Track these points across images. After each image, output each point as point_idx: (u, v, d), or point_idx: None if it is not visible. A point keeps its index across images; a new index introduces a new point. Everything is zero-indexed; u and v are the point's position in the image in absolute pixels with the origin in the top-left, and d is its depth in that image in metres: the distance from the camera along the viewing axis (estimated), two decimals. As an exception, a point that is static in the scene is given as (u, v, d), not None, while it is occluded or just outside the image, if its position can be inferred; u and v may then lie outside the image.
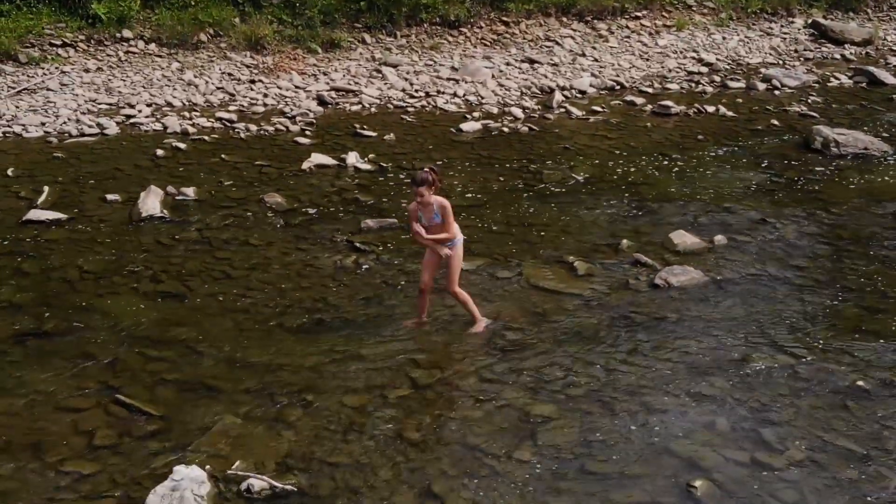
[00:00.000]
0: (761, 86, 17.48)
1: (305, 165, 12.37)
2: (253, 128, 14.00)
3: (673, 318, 8.48)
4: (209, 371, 7.46)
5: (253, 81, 16.01)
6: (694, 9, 21.65)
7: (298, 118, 14.51)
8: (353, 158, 12.65)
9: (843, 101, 16.79)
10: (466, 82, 16.64)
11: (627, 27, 20.45)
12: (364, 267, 9.47)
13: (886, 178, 12.65)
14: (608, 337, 8.14)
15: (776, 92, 17.26)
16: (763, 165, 13.06)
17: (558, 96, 16.09)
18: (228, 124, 14.15)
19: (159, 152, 12.72)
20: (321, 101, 15.43)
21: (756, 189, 12.05)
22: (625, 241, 10.12)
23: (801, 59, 19.93)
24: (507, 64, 17.90)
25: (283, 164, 12.50)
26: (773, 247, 10.20)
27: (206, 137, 13.55)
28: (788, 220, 10.94)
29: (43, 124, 13.59)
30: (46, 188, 11.17)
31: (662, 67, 18.59)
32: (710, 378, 7.45)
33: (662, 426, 6.80)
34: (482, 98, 15.98)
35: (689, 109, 15.76)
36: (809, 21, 21.98)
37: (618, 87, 17.21)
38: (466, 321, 8.27)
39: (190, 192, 11.25)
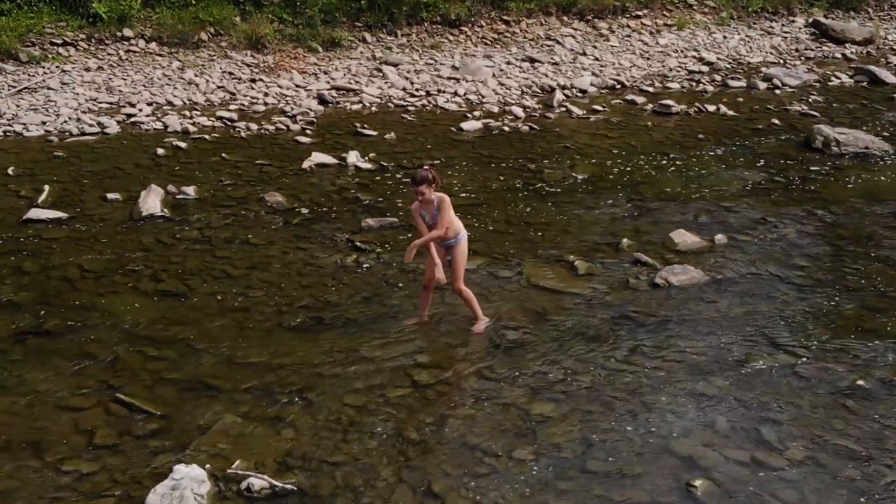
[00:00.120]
0: (762, 85, 17.48)
1: (306, 164, 12.38)
2: (253, 127, 14.00)
3: (673, 318, 8.48)
4: (209, 370, 7.46)
5: (253, 80, 16.02)
6: (695, 8, 21.64)
7: (299, 117, 14.52)
8: (353, 157, 12.65)
9: (843, 100, 16.79)
10: (467, 81, 16.65)
11: (628, 26, 20.45)
12: (364, 266, 9.47)
13: (887, 177, 12.65)
14: (608, 336, 8.14)
15: (777, 91, 17.26)
16: (763, 165, 13.06)
17: (559, 95, 16.09)
18: (229, 123, 14.15)
19: (160, 151, 12.72)
20: (322, 100, 15.44)
21: (756, 188, 12.05)
22: (625, 240, 10.12)
23: (802, 58, 19.93)
24: (508, 63, 17.90)
25: (284, 164, 12.50)
26: (773, 246, 10.20)
27: (206, 136, 13.55)
28: (789, 219, 10.93)
29: (43, 123, 13.60)
30: (47, 187, 11.17)
31: (663, 66, 18.59)
32: (711, 377, 7.46)
33: (662, 425, 6.80)
34: (483, 97, 15.98)
35: (690, 108, 15.76)
36: (810, 20, 21.98)
37: (618, 86, 17.21)
38: (467, 320, 8.27)
39: (190, 191, 11.25)
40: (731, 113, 15.68)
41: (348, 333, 8.09)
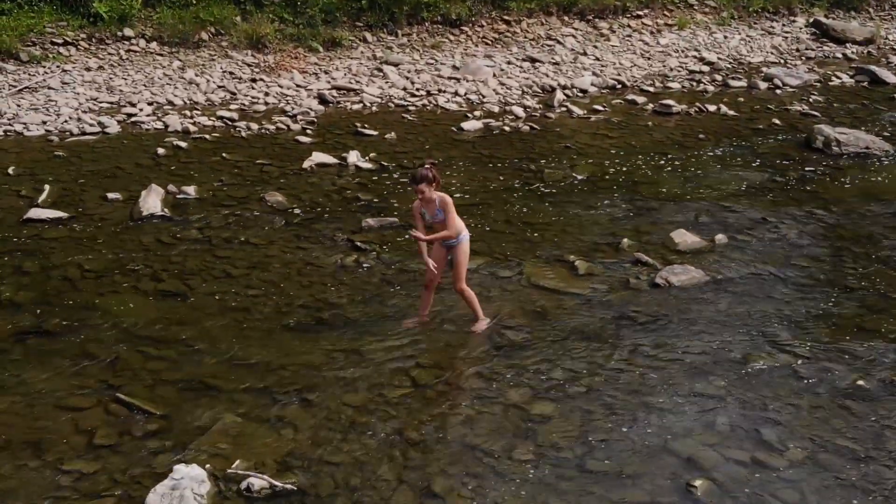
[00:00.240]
0: (763, 85, 17.48)
1: (306, 164, 12.38)
2: (254, 126, 14.00)
3: (673, 318, 8.48)
4: (209, 370, 7.46)
5: (254, 80, 16.02)
6: (695, 7, 21.64)
7: (299, 117, 14.52)
8: (354, 157, 12.65)
9: (844, 100, 16.79)
10: (467, 81, 16.65)
11: (629, 26, 20.45)
12: (365, 266, 9.47)
13: (887, 177, 12.64)
14: (609, 336, 8.13)
15: (777, 91, 17.27)
16: (764, 165, 13.05)
17: (559, 95, 16.10)
18: (229, 123, 14.15)
19: (160, 151, 12.72)
20: (322, 99, 15.44)
21: (757, 188, 12.04)
22: (625, 240, 10.12)
23: (803, 58, 19.93)
24: (509, 63, 17.91)
25: (284, 163, 12.50)
26: (773, 246, 10.19)
27: (207, 136, 13.55)
28: (789, 219, 10.93)
29: (44, 123, 13.61)
30: (47, 187, 11.17)
31: (664, 66, 18.59)
32: (711, 377, 7.45)
33: (662, 425, 6.79)
34: (483, 97, 15.98)
35: (691, 108, 15.76)
36: (811, 20, 21.99)
37: (619, 86, 17.21)
38: (468, 320, 8.27)
39: (191, 190, 11.25)
40: (731, 113, 15.68)
41: (348, 333, 8.09)
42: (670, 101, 15.83)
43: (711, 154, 13.49)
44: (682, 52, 19.59)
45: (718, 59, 19.23)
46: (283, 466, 6.24)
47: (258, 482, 5.97)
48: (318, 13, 17.77)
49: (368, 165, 12.51)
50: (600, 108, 15.69)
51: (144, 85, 15.42)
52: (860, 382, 7.40)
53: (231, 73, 16.26)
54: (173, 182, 11.43)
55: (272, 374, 7.41)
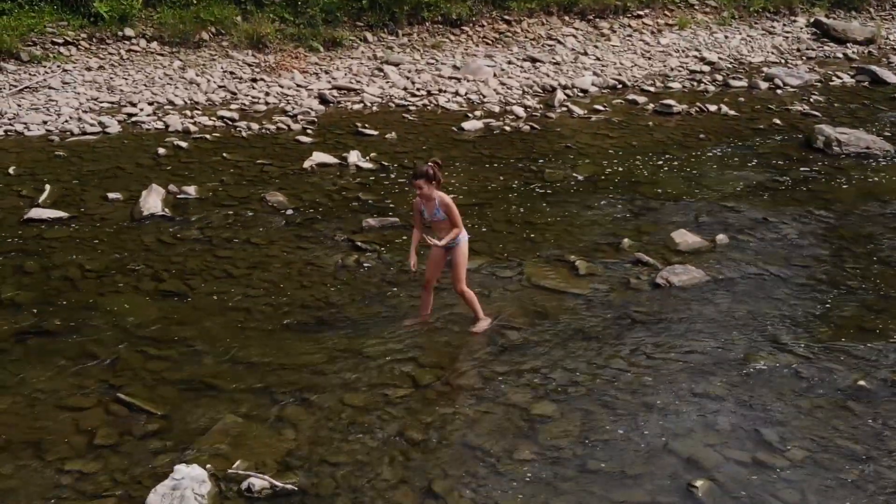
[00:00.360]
0: (763, 85, 17.48)
1: (307, 164, 12.37)
2: (254, 126, 14.00)
3: (674, 318, 8.48)
4: (210, 370, 7.45)
5: (255, 80, 16.02)
6: (696, 7, 21.65)
7: (300, 117, 14.52)
8: (354, 157, 12.65)
9: (845, 100, 16.79)
10: (468, 81, 16.65)
11: (629, 26, 20.45)
12: (365, 266, 9.47)
13: (888, 177, 12.64)
14: (609, 336, 8.13)
15: (778, 91, 17.27)
16: (765, 164, 13.05)
17: (560, 95, 16.10)
18: (230, 123, 14.15)
19: (161, 151, 12.72)
20: (323, 99, 15.44)
21: (758, 188, 12.04)
22: (626, 240, 10.12)
23: (804, 57, 19.93)
24: (509, 62, 17.91)
25: (285, 163, 12.50)
26: (774, 246, 10.19)
27: (207, 136, 13.55)
28: (790, 219, 10.93)
29: (45, 123, 13.61)
30: (48, 187, 11.17)
31: (664, 66, 18.59)
32: (712, 377, 7.45)
33: (663, 426, 6.79)
34: (484, 97, 15.98)
35: (691, 108, 15.76)
36: (812, 20, 21.99)
37: (620, 86, 17.21)
38: (468, 320, 8.27)
39: (191, 190, 11.25)
40: (732, 113, 15.68)
41: (349, 333, 8.09)
42: (671, 101, 15.83)
43: (712, 154, 13.49)
44: (683, 51, 19.59)
45: (719, 58, 19.23)
46: (283, 466, 6.23)
47: (259, 482, 5.97)
48: (318, 13, 17.77)
49: (369, 165, 12.51)
50: (601, 107, 15.69)
51: (145, 85, 15.42)
52: (861, 382, 7.40)
53: (232, 72, 16.26)
54: (174, 182, 11.43)
55: (273, 374, 7.41)
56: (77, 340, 7.84)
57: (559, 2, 20.12)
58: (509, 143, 13.75)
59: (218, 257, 9.59)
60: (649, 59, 18.97)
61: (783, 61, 19.48)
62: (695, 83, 17.65)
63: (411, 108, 15.36)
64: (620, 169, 12.68)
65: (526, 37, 19.30)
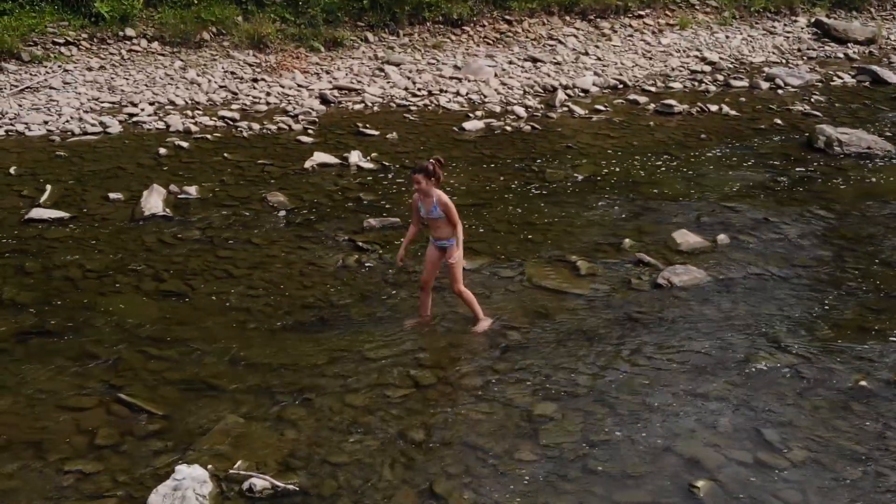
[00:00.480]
0: (764, 85, 17.48)
1: (308, 164, 12.38)
2: (255, 126, 14.00)
3: (675, 318, 8.47)
4: (211, 370, 7.45)
5: (255, 80, 16.03)
6: (697, 7, 21.64)
7: (301, 117, 14.52)
8: (355, 157, 12.65)
9: (846, 100, 16.79)
10: (469, 81, 16.65)
11: (630, 26, 20.45)
12: (366, 266, 9.47)
13: (889, 177, 12.64)
14: (610, 337, 8.13)
15: (779, 91, 17.27)
16: (766, 165, 13.05)
17: (561, 95, 16.10)
18: (231, 123, 14.16)
19: (162, 151, 12.73)
20: (324, 99, 15.44)
21: (759, 188, 12.04)
22: (627, 240, 10.12)
23: (805, 57, 19.93)
24: (510, 63, 17.91)
25: (286, 163, 12.50)
26: (775, 246, 10.19)
27: (208, 136, 13.55)
28: (791, 219, 10.92)
29: (46, 123, 13.61)
30: (49, 187, 11.17)
31: (665, 66, 18.59)
32: (713, 378, 7.44)
33: (664, 426, 6.79)
34: (485, 97, 15.98)
35: (692, 108, 15.76)
36: (813, 20, 21.99)
37: (621, 86, 17.21)
38: (469, 320, 8.27)
39: (192, 190, 11.26)
40: (733, 113, 15.68)
41: (350, 333, 8.09)
42: (672, 101, 15.83)
43: (713, 154, 13.49)
44: (684, 51, 19.58)
45: (720, 58, 19.23)
46: (284, 467, 6.23)
47: (260, 482, 5.96)
48: (319, 13, 17.77)
49: (370, 165, 12.51)
50: (602, 108, 15.69)
51: (146, 85, 15.42)
52: (862, 383, 7.40)
53: (232, 72, 16.26)
54: (175, 182, 11.43)
55: (274, 374, 7.41)
56: (78, 340, 7.84)
57: (560, 2, 20.12)
58: (510, 143, 13.75)
59: (219, 257, 9.59)
60: (650, 59, 18.97)
61: (784, 61, 19.47)
62: (696, 83, 17.65)
63: (412, 108, 15.36)
64: (621, 169, 12.68)
65: (527, 37, 19.30)
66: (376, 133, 13.86)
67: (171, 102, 14.86)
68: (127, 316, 8.28)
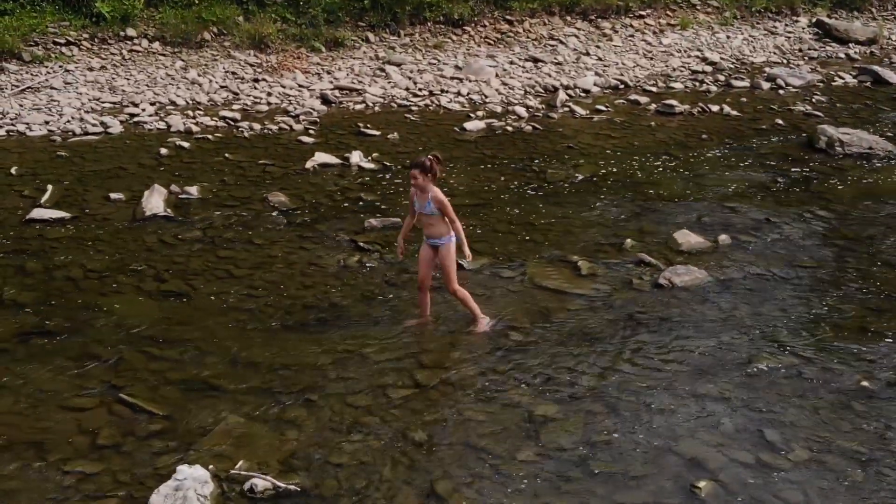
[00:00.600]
0: (765, 85, 17.46)
1: (309, 164, 12.37)
2: (256, 127, 14.00)
3: (676, 319, 8.47)
4: (212, 370, 7.45)
5: (256, 80, 16.02)
6: (698, 7, 21.63)
7: (302, 117, 14.51)
8: (356, 157, 12.65)
9: (847, 100, 16.77)
10: (470, 81, 16.64)
11: (631, 26, 20.43)
12: (367, 266, 9.47)
13: (890, 177, 12.63)
14: (612, 337, 8.12)
15: (780, 91, 17.25)
16: (767, 165, 13.04)
17: (562, 95, 16.08)
18: (232, 123, 14.15)
19: (163, 151, 12.72)
20: (325, 99, 15.43)
21: (760, 189, 12.03)
22: (628, 240, 10.11)
23: (806, 58, 19.91)
24: (511, 63, 17.89)
25: (287, 163, 12.49)
26: (777, 247, 10.18)
27: (209, 136, 13.55)
28: (792, 219, 10.92)
29: (47, 123, 13.60)
30: (50, 187, 11.17)
31: (666, 66, 18.58)
32: (714, 378, 7.44)
33: (666, 426, 6.78)
34: (486, 97, 15.97)
35: (693, 108, 15.74)
36: (814, 20, 21.97)
37: (622, 86, 17.20)
38: (470, 320, 8.26)
39: (193, 190, 11.25)
40: (734, 113, 15.66)
41: (351, 334, 8.08)
42: (673, 102, 15.82)
43: (714, 154, 13.48)
44: (685, 52, 19.57)
45: (721, 59, 19.21)
46: (286, 467, 6.23)
47: (261, 483, 5.96)
48: (320, 13, 17.76)
49: (371, 166, 12.51)
50: (603, 108, 15.67)
51: (147, 85, 15.42)
52: (864, 383, 7.39)
53: (233, 73, 16.25)
54: (176, 182, 11.43)
55: (275, 374, 7.41)
56: (79, 341, 7.84)
57: (561, 2, 20.10)
58: (511, 144, 13.74)
59: (220, 258, 9.59)
60: (651, 59, 18.95)
61: (785, 61, 19.46)
62: (697, 83, 17.64)
63: (413, 108, 15.36)
64: (622, 169, 12.67)
65: (528, 37, 19.29)
66: (377, 133, 13.86)
67: (172, 102, 14.86)
68: (128, 316, 8.28)
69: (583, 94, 16.55)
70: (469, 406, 7.07)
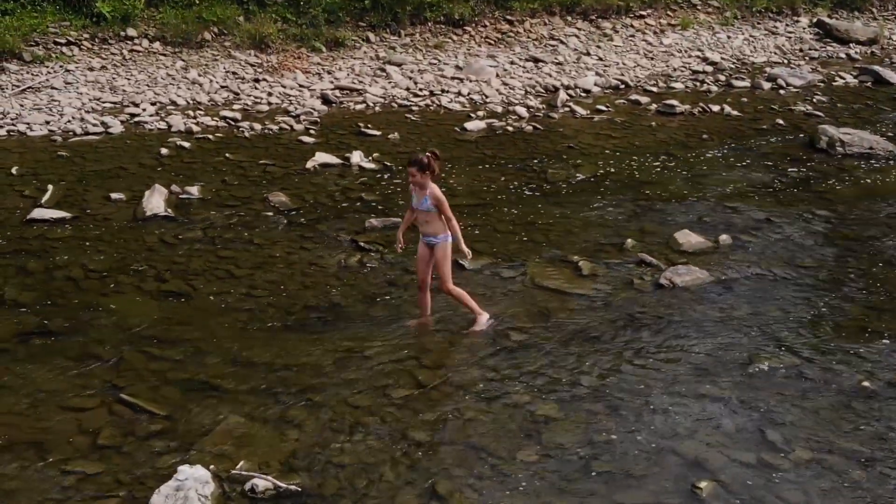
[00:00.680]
0: (766, 85, 17.46)
1: (310, 164, 12.37)
2: (257, 127, 14.00)
3: (677, 319, 8.46)
4: (213, 370, 7.45)
5: (257, 80, 16.01)
6: (699, 7, 21.62)
7: (303, 117, 14.51)
8: (357, 157, 12.65)
9: (848, 100, 16.77)
10: (471, 81, 16.64)
11: (632, 26, 20.43)
12: (368, 266, 9.46)
13: (891, 177, 12.63)
14: (613, 337, 8.12)
15: (781, 91, 17.25)
16: (768, 165, 13.03)
17: (563, 95, 16.08)
18: (233, 123, 14.15)
19: (163, 151, 12.72)
20: (325, 99, 15.43)
21: (761, 189, 12.03)
22: (629, 240, 10.11)
23: (807, 58, 19.91)
24: (512, 63, 17.89)
25: (288, 163, 12.49)
26: (777, 247, 10.18)
27: (210, 136, 13.55)
28: (793, 219, 10.91)
29: (47, 123, 13.60)
30: (51, 187, 11.17)
31: (667, 66, 18.58)
32: (715, 378, 7.44)
33: (667, 427, 6.78)
34: (486, 97, 15.97)
35: (694, 108, 15.74)
36: (814, 20, 21.96)
37: (622, 87, 17.20)
38: (470, 320, 8.26)
39: (194, 190, 11.25)
40: (735, 113, 15.66)
41: (352, 334, 8.08)
42: (674, 102, 15.82)
43: (715, 154, 13.48)
44: (686, 52, 19.57)
45: (722, 59, 19.21)
46: (287, 467, 6.23)
47: (262, 483, 5.96)
48: (320, 13, 17.76)
49: (372, 166, 12.51)
50: (604, 108, 15.67)
51: (147, 85, 15.42)
52: (865, 384, 7.39)
53: (234, 73, 16.25)
54: (176, 182, 11.43)
55: (276, 374, 7.41)
56: (80, 341, 7.84)
57: (561, 2, 20.10)
58: (512, 144, 13.74)
59: (221, 258, 9.59)
60: (652, 59, 18.95)
61: (786, 61, 19.46)
62: (697, 83, 17.63)
63: (414, 108, 15.35)
64: (623, 169, 12.67)
65: (528, 37, 19.29)
66: (378, 133, 13.86)
67: (173, 102, 14.86)
68: (129, 316, 8.28)
69: (583, 94, 16.55)
70: (470, 406, 7.06)
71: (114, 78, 15.56)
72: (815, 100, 16.64)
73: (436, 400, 7.14)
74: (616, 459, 6.39)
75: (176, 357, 7.65)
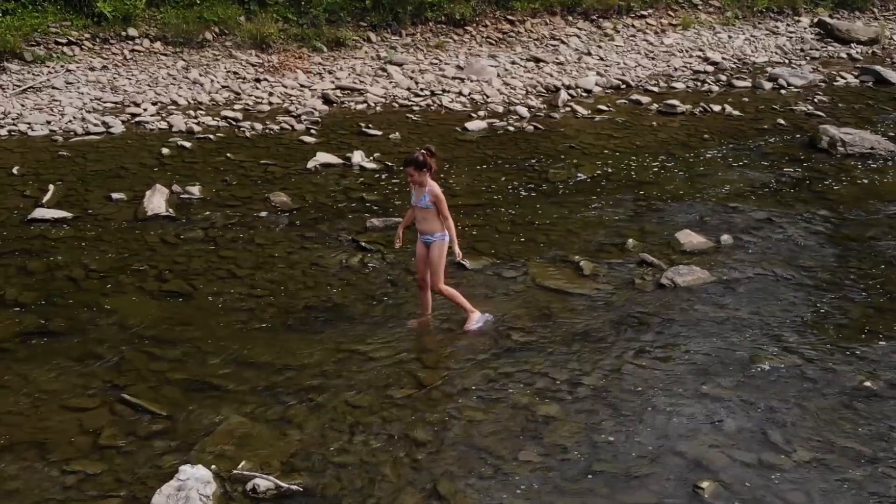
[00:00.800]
0: (767, 85, 17.46)
1: (311, 164, 12.37)
2: (258, 126, 14.00)
3: (679, 319, 8.46)
4: (214, 370, 7.45)
5: (258, 80, 16.01)
6: (700, 7, 21.62)
7: (304, 117, 14.51)
8: (358, 157, 12.64)
9: (849, 100, 16.76)
10: (472, 81, 16.64)
11: (633, 26, 20.43)
12: (369, 266, 9.46)
13: (893, 177, 12.61)
14: (614, 337, 8.12)
15: (782, 91, 17.24)
16: (769, 165, 13.03)
17: (564, 95, 16.08)
18: (234, 123, 14.15)
19: (164, 151, 12.72)
20: (326, 99, 15.43)
21: (762, 189, 12.02)
22: (631, 240, 10.10)
23: (808, 58, 19.90)
24: (513, 63, 17.89)
25: (289, 163, 12.49)
26: (779, 247, 10.17)
27: (211, 136, 13.55)
28: (795, 219, 10.91)
29: (48, 123, 13.61)
30: (52, 187, 11.17)
31: (668, 66, 18.57)
32: (717, 378, 7.43)
33: (669, 427, 6.78)
34: (487, 97, 15.97)
35: (695, 108, 15.74)
36: (815, 20, 21.96)
37: (623, 86, 17.19)
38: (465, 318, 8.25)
39: (195, 190, 11.25)
40: (736, 113, 15.66)
41: (353, 334, 8.08)
42: (675, 102, 15.81)
43: (716, 154, 13.47)
44: (687, 52, 19.56)
45: (723, 59, 19.21)
46: (288, 467, 6.23)
47: (264, 483, 5.96)
48: (321, 13, 17.76)
49: (373, 165, 12.51)
50: (605, 108, 15.67)
51: (148, 85, 15.42)
52: (867, 383, 7.38)
53: (235, 73, 16.25)
54: (178, 182, 11.43)
55: (277, 374, 7.41)
56: (81, 341, 7.84)
57: (563, 2, 20.10)
58: (513, 144, 13.74)
59: (222, 257, 9.59)
60: (653, 59, 18.95)
61: (787, 61, 19.45)
62: (698, 83, 17.63)
63: (415, 108, 15.35)
64: (624, 169, 12.66)
65: (529, 37, 19.29)
66: (379, 133, 13.86)
67: (174, 102, 14.86)
68: (130, 316, 8.28)
69: (584, 94, 16.55)
70: (471, 406, 7.06)
71: (115, 78, 15.56)
72: (816, 100, 16.63)
73: (437, 400, 7.14)
74: (617, 459, 6.39)
75: (177, 357, 7.65)
